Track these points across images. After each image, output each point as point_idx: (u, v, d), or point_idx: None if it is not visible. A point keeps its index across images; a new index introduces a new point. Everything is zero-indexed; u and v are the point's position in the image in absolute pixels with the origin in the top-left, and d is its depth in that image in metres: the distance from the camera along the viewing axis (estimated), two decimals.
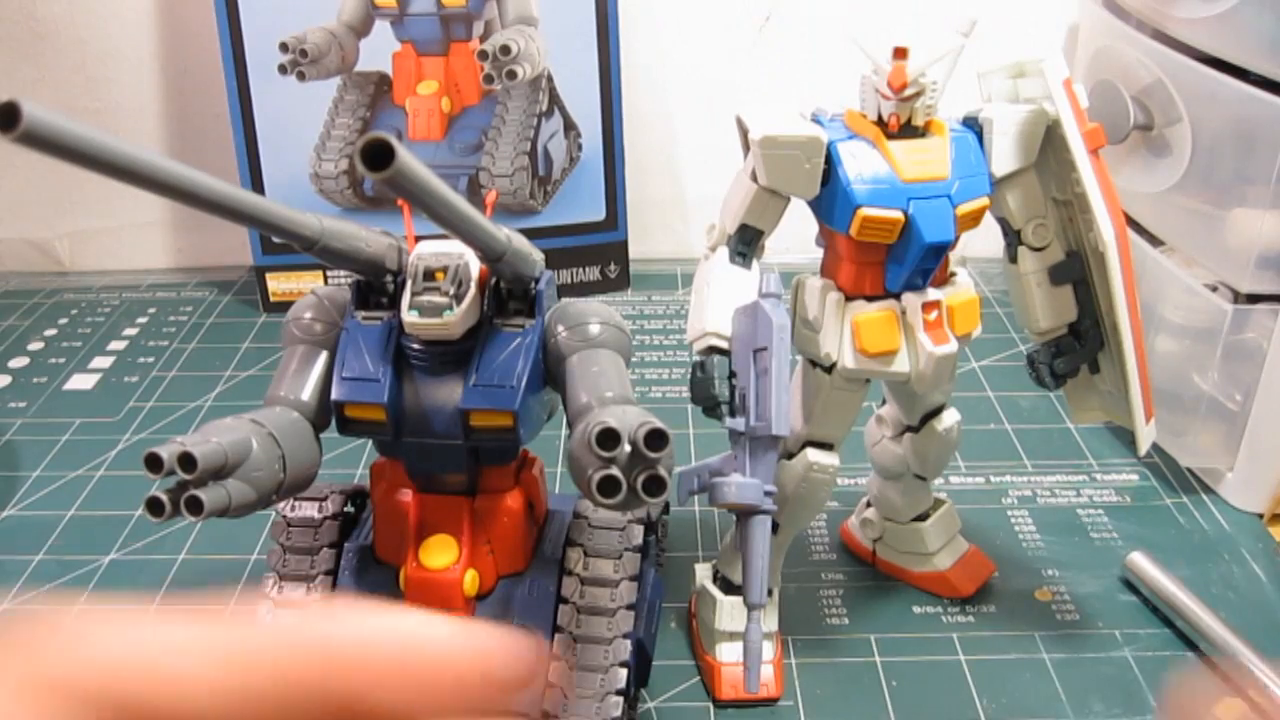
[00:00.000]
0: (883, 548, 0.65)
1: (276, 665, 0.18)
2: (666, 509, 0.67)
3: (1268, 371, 0.66)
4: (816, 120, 0.51)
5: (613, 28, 0.93)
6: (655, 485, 0.38)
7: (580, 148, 0.96)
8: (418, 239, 0.47)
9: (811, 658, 0.59)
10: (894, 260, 0.51)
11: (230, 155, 0.93)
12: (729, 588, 0.58)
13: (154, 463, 0.38)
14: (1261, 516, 0.70)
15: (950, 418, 0.58)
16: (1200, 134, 0.66)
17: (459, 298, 0.45)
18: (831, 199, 0.50)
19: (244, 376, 0.88)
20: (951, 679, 0.58)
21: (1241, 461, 0.70)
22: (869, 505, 0.65)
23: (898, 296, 0.52)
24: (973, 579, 0.64)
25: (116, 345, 0.94)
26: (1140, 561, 0.63)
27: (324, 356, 0.47)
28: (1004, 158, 0.51)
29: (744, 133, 0.51)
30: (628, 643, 0.50)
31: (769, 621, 0.58)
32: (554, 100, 0.94)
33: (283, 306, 0.88)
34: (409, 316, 0.44)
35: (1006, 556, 0.67)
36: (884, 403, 0.61)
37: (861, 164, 0.49)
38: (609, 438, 0.38)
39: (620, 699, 0.48)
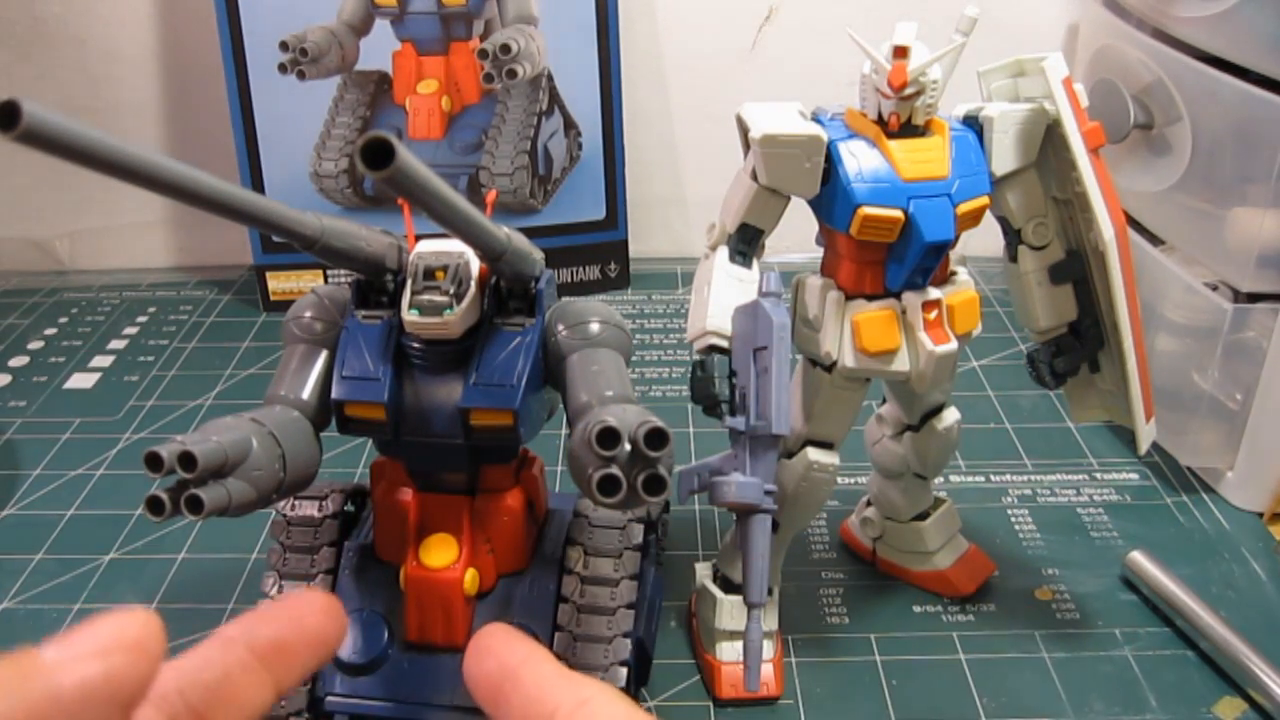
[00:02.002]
0: (883, 547, 0.65)
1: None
2: (667, 508, 0.67)
3: (1268, 370, 0.66)
4: (817, 119, 0.51)
5: (613, 27, 0.93)
6: (655, 484, 0.38)
7: (580, 147, 0.96)
8: (418, 238, 0.47)
9: (811, 657, 0.59)
10: (894, 259, 0.50)
11: (230, 155, 0.93)
12: (729, 587, 0.58)
13: (154, 462, 0.38)
14: (1261, 515, 0.70)
15: (950, 417, 0.59)
16: (1200, 133, 0.66)
17: (459, 297, 0.45)
18: (832, 198, 0.50)
19: (244, 376, 0.88)
20: (951, 678, 0.58)
21: (1241, 460, 0.70)
22: (869, 504, 0.65)
23: (898, 295, 0.52)
24: (973, 578, 0.64)
25: (116, 344, 0.94)
26: (1140, 560, 0.63)
27: (324, 355, 0.47)
28: (1004, 157, 0.51)
29: (744, 131, 0.51)
30: (628, 641, 0.50)
31: (769, 620, 0.58)
32: (554, 99, 0.94)
33: (283, 305, 0.88)
34: (409, 315, 0.44)
35: (1006, 555, 0.67)
36: (884, 402, 0.61)
37: (862, 163, 0.49)
38: (609, 436, 0.38)
39: None
